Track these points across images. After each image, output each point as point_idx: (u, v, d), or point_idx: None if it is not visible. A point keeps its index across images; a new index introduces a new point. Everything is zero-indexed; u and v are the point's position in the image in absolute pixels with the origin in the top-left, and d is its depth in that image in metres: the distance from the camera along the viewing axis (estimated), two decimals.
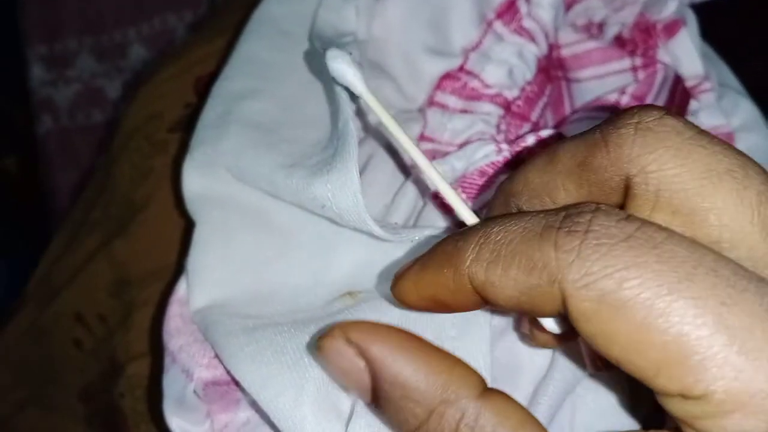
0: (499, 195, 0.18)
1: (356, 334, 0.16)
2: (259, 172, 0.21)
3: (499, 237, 0.14)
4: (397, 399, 0.15)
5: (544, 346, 0.19)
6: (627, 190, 0.15)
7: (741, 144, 0.30)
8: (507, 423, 0.14)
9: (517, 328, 0.20)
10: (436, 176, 0.18)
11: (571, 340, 0.18)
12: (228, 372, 0.21)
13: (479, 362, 0.19)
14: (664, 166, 0.14)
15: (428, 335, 0.18)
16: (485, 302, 0.15)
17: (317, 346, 0.16)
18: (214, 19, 0.35)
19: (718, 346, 0.12)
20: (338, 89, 0.20)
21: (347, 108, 0.20)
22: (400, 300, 0.17)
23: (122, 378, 0.28)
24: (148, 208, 0.29)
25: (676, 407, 0.13)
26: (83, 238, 0.33)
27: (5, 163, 0.72)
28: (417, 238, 0.20)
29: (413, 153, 0.18)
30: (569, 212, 0.14)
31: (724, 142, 0.14)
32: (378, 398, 0.16)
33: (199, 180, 0.23)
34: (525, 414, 0.15)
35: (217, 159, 0.23)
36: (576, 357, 0.20)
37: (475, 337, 0.19)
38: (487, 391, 0.15)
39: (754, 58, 0.33)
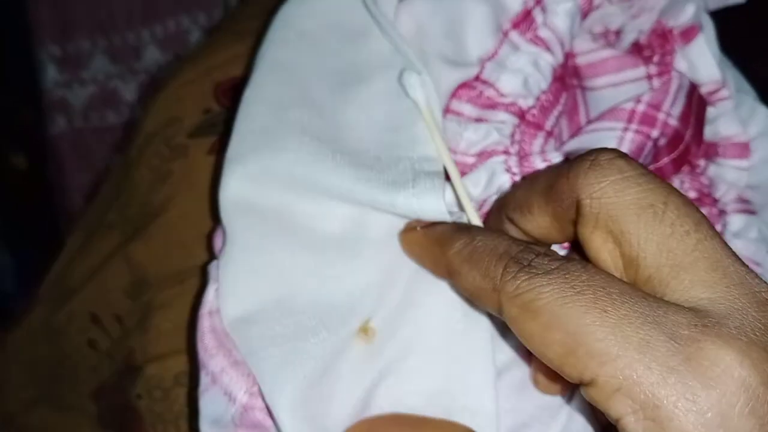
0: (496, 203, 0.23)
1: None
2: (332, 183, 0.23)
3: (478, 245, 0.19)
4: None
5: (548, 392, 0.23)
6: (578, 209, 0.18)
7: (757, 153, 0.30)
8: None
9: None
10: (461, 189, 0.23)
11: (566, 390, 0.23)
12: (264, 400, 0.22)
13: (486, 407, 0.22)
14: (604, 196, 0.18)
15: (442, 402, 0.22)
16: (451, 280, 0.20)
17: None
18: (232, 24, 0.35)
19: (597, 342, 0.16)
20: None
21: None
22: (403, 245, 0.23)
23: (140, 379, 0.28)
24: (167, 212, 0.29)
25: (585, 394, 0.16)
26: (99, 239, 0.33)
27: (15, 160, 0.73)
28: None
29: (450, 166, 0.23)
30: (524, 248, 0.18)
31: (660, 181, 0.18)
32: None
33: (243, 187, 0.23)
34: None
35: (276, 168, 0.23)
36: (587, 413, 0.22)
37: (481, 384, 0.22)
38: None
39: (755, 62, 0.33)
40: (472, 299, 0.19)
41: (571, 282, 0.17)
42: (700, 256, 0.17)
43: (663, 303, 0.16)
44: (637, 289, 0.17)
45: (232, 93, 0.26)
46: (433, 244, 0.21)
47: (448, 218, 0.22)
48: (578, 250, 0.19)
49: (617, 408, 0.16)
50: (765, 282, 0.17)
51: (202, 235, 0.28)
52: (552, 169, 0.20)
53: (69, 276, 0.35)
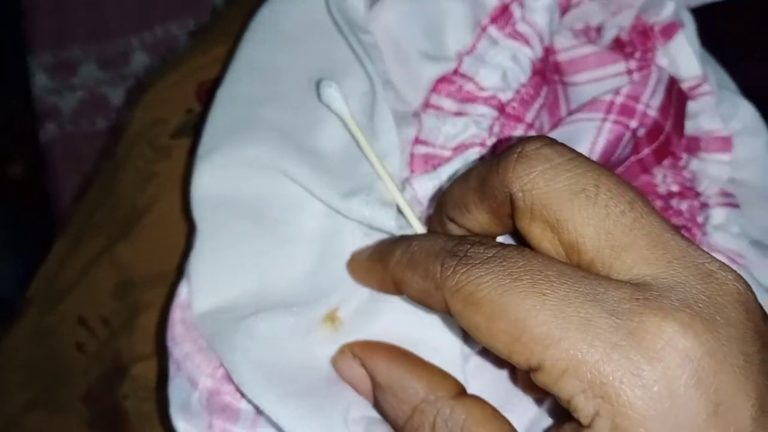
0: (435, 205, 0.22)
1: (358, 349, 0.21)
2: (297, 179, 0.23)
3: (415, 249, 0.19)
4: (389, 400, 0.20)
5: (531, 395, 0.22)
6: (512, 203, 0.18)
7: (740, 149, 0.30)
8: (474, 418, 0.19)
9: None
10: (401, 200, 0.22)
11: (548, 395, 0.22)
12: (232, 382, 0.22)
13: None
14: (534, 187, 0.17)
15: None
16: (401, 293, 0.20)
17: (332, 361, 0.22)
18: (216, 26, 0.35)
19: (539, 326, 0.16)
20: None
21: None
22: (351, 275, 0.22)
23: (126, 380, 0.28)
24: (151, 212, 0.29)
25: (535, 379, 0.16)
26: (86, 242, 0.33)
27: (11, 167, 0.73)
28: None
29: (385, 177, 0.22)
30: (459, 241, 0.18)
31: (590, 164, 0.17)
32: (377, 400, 0.21)
33: (212, 182, 0.23)
34: (493, 412, 0.19)
35: (241, 162, 0.23)
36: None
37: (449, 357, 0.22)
38: (461, 394, 0.20)
39: (745, 61, 0.33)
40: (422, 305, 0.19)
41: (509, 269, 0.17)
42: (639, 234, 0.17)
43: (603, 280, 0.16)
44: (576, 269, 0.17)
45: (212, 93, 0.26)
46: (376, 262, 0.21)
47: (395, 230, 0.22)
48: (521, 239, 0.19)
49: (566, 389, 0.16)
50: (708, 253, 0.17)
51: (185, 234, 0.28)
52: (482, 165, 0.20)
53: (59, 278, 0.35)
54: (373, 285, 0.22)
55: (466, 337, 0.22)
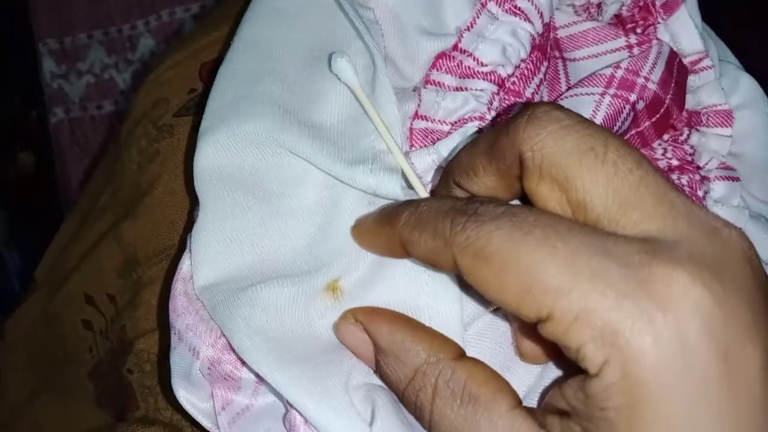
0: (442, 172, 0.23)
1: (360, 315, 0.21)
2: (297, 151, 0.23)
3: (423, 210, 0.19)
4: (391, 363, 0.20)
5: (531, 362, 0.23)
6: (521, 163, 0.18)
7: (741, 122, 0.30)
8: (475, 379, 0.19)
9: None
10: (407, 167, 0.23)
11: (552, 355, 0.22)
12: (233, 352, 0.22)
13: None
14: (545, 146, 0.18)
15: None
16: (408, 255, 0.20)
17: (333, 327, 0.22)
18: (219, 8, 0.35)
19: (551, 277, 0.16)
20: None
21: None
22: (356, 239, 0.23)
23: (131, 354, 0.29)
24: (154, 190, 0.30)
25: (543, 331, 0.17)
26: (92, 223, 0.34)
27: (20, 158, 0.73)
28: None
29: (393, 147, 0.23)
30: (468, 201, 0.19)
31: (597, 127, 0.18)
32: (379, 365, 0.21)
33: (215, 157, 0.24)
34: (492, 373, 0.20)
35: (243, 136, 0.23)
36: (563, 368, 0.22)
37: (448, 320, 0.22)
38: (461, 356, 0.20)
39: (752, 47, 0.33)
40: (429, 264, 0.20)
41: (519, 224, 0.17)
42: (646, 191, 0.17)
43: (612, 235, 0.17)
44: (585, 225, 0.17)
45: (214, 72, 0.26)
46: (382, 225, 0.21)
47: (401, 196, 0.22)
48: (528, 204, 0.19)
49: (576, 338, 0.16)
50: (712, 212, 0.17)
51: (188, 210, 0.28)
52: (491, 130, 0.20)
53: (64, 260, 0.35)
54: (379, 248, 0.22)
55: (468, 301, 0.22)
